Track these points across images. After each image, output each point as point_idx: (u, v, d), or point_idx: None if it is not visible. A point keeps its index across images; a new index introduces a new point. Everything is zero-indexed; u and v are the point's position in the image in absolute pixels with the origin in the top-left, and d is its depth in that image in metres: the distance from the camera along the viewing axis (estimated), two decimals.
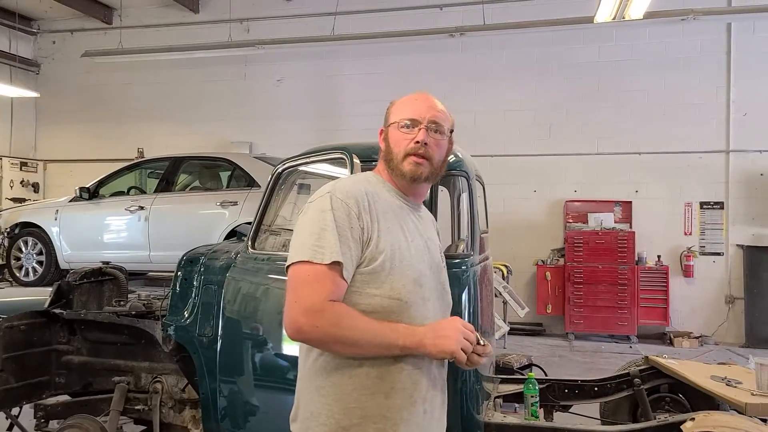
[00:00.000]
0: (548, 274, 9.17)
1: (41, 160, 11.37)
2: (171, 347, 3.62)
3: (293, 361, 2.78)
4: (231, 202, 6.70)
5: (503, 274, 8.02)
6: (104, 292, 4.50)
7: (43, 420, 3.97)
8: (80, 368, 4.12)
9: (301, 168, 3.32)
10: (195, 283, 3.56)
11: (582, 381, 4.10)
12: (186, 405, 3.80)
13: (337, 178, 1.99)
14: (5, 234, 7.91)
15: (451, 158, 2.57)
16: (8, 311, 4.04)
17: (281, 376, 3.14)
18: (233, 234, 6.25)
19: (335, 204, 1.70)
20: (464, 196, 3.34)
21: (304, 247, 1.67)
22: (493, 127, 9.54)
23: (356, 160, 2.92)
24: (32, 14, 11.12)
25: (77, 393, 4.16)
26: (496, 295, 6.59)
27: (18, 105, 10.98)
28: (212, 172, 7.71)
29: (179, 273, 3.67)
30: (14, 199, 9.86)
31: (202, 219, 6.88)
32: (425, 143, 1.82)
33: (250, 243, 3.41)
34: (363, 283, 1.71)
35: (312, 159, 3.20)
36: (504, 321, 7.42)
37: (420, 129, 1.83)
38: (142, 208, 7.12)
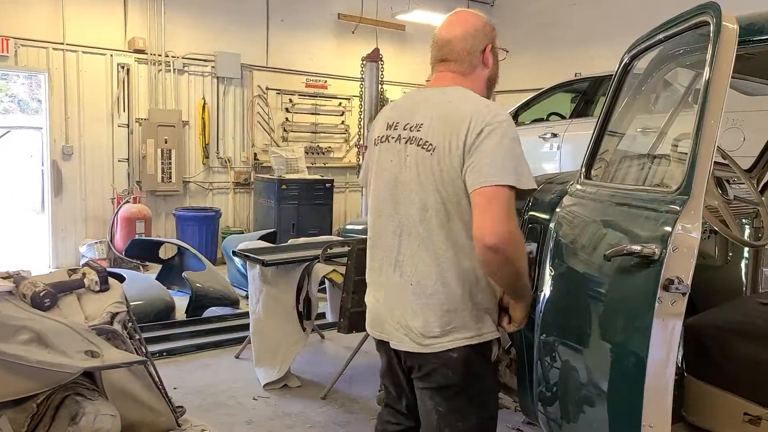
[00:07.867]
0: None
1: None
2: None
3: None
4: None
5: None
6: None
7: None
8: None
9: (654, 51, 2.13)
10: (520, 220, 2.77)
11: None
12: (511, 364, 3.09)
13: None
14: None
15: None
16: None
17: (630, 362, 1.75)
18: None
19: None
20: None
21: (515, 171, 1.77)
22: None
23: (730, 26, 1.63)
24: None
25: None
26: None
27: None
28: None
29: None
30: None
31: None
32: None
33: (583, 171, 2.43)
34: None
35: (662, 34, 1.98)
36: None
37: None
38: (555, 135, 6.51)
